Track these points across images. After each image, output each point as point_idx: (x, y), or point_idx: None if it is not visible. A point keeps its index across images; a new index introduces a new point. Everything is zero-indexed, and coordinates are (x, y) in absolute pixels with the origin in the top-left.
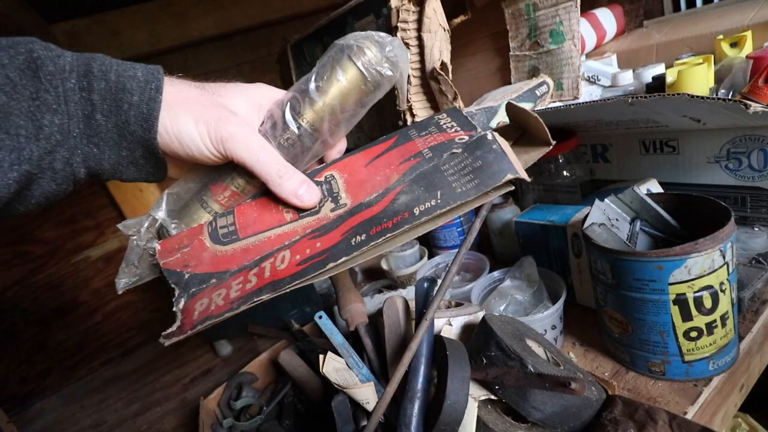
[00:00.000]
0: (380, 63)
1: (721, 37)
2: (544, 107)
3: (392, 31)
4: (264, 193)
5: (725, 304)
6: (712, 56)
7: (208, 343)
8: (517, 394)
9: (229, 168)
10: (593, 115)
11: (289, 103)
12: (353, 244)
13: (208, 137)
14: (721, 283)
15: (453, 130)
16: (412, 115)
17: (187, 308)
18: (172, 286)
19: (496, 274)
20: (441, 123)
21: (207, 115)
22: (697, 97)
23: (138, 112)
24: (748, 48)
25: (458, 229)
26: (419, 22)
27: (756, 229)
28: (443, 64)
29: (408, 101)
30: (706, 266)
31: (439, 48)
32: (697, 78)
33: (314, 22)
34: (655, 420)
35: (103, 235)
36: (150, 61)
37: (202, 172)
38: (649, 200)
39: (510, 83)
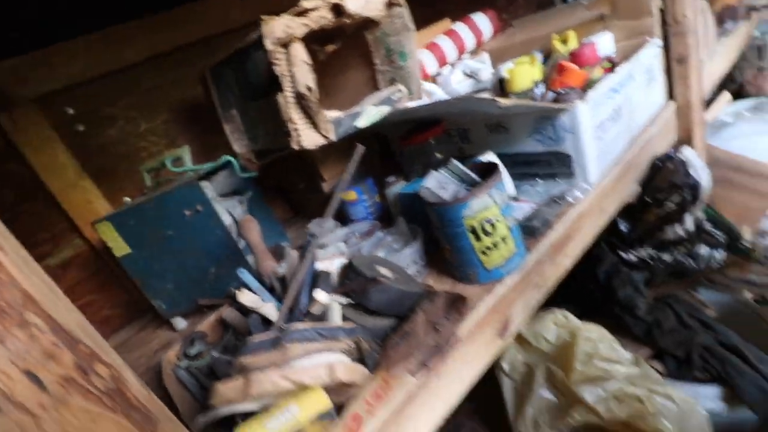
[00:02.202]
0: None
1: (555, 35)
2: (403, 107)
3: (271, 65)
4: None
5: (502, 229)
6: (539, 55)
7: (166, 323)
8: (362, 296)
9: None
10: (439, 109)
11: None
12: None
13: None
14: (495, 216)
15: None
16: (294, 127)
17: None
18: None
19: (380, 233)
20: None
21: None
22: (474, 98)
23: None
24: (573, 44)
25: (364, 205)
26: (288, 59)
27: (557, 180)
28: (308, 88)
29: (290, 117)
30: (481, 206)
31: (304, 78)
32: (523, 74)
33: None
34: (438, 296)
35: (58, 246)
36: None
37: None
38: (462, 167)
39: (379, 90)
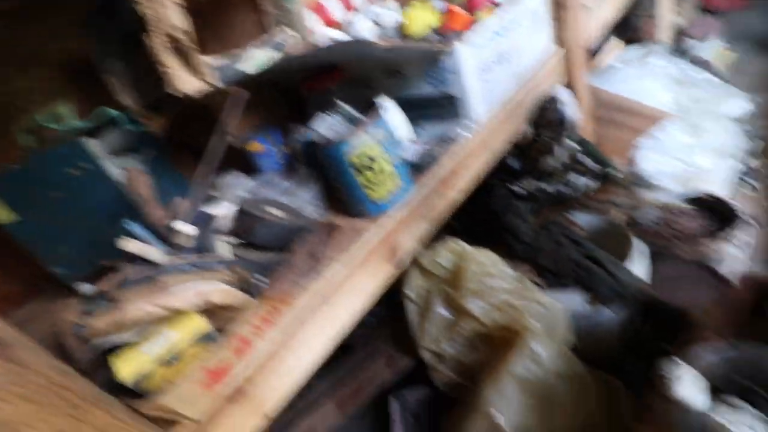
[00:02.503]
0: None
1: None
2: (293, 53)
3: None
4: None
5: (384, 165)
6: (439, 2)
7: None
8: (249, 234)
9: None
10: (329, 55)
11: None
12: None
13: None
14: (376, 153)
15: None
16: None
17: None
18: None
19: (285, 182)
20: None
21: None
22: (356, 42)
23: None
24: None
25: (273, 156)
26: None
27: (447, 120)
28: (180, 30)
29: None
30: (361, 143)
31: (174, 18)
32: (419, 20)
33: None
34: (319, 228)
35: None
36: None
37: None
38: (350, 110)
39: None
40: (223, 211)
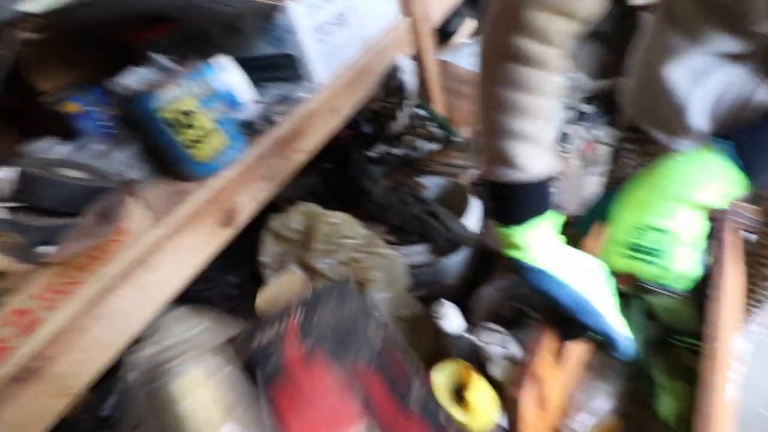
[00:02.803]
0: None
1: None
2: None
3: None
4: None
5: (204, 122)
6: None
7: None
8: (32, 196)
9: None
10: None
11: None
12: None
13: None
14: (193, 108)
15: None
16: None
17: None
18: None
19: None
20: None
21: None
22: None
23: None
24: None
25: (94, 118)
26: None
27: (288, 82)
28: None
29: None
30: (172, 97)
31: None
32: None
33: None
34: (119, 187)
35: None
36: None
37: None
38: (165, 61)
39: None
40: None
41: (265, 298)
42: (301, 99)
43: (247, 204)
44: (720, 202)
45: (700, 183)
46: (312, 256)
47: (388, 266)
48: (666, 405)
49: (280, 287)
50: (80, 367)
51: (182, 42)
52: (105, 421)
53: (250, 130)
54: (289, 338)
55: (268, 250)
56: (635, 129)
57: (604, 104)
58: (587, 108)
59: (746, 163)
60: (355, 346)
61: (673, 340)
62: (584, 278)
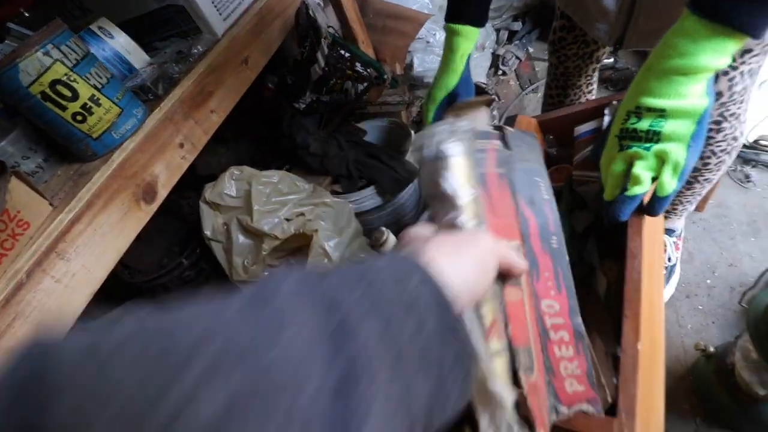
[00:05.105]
0: None
1: None
2: None
3: None
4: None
5: (86, 90)
6: None
7: None
8: None
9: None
10: None
11: None
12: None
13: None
14: (67, 75)
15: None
16: None
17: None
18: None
19: None
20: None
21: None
22: None
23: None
24: None
25: None
26: None
27: (188, 39)
28: None
29: None
30: (39, 66)
31: None
32: None
33: None
34: None
35: None
36: None
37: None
38: (26, 31)
39: None
40: None
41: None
42: (201, 54)
43: (164, 175)
44: (717, 63)
45: (693, 51)
46: (255, 219)
47: (335, 215)
48: (599, 281)
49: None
50: None
51: (57, 13)
52: None
53: (146, 94)
54: (490, 155)
55: (208, 223)
56: (569, 17)
57: (533, 19)
58: (517, 26)
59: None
60: (528, 193)
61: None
62: None
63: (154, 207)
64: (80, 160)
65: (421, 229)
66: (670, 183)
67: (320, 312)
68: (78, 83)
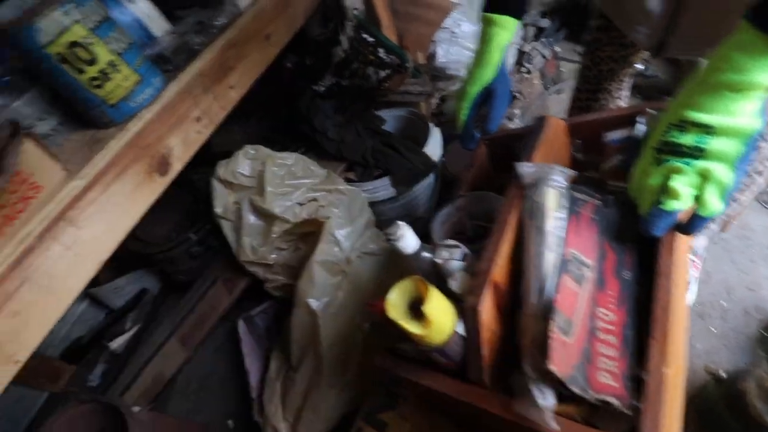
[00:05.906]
0: None
1: None
2: None
3: None
4: None
5: (104, 54)
6: None
7: None
8: None
9: None
10: None
11: None
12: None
13: None
14: (86, 38)
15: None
16: None
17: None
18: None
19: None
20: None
21: None
22: None
23: None
24: None
25: None
26: None
27: (210, 9)
28: None
29: None
30: (57, 26)
31: None
32: None
33: None
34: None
35: None
36: None
37: None
38: None
39: None
40: None
41: None
42: (223, 26)
43: (180, 149)
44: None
45: (749, 67)
46: (267, 200)
47: (348, 203)
48: None
49: None
50: (17, 334)
51: None
52: (94, 391)
53: (165, 64)
54: (588, 205)
55: (220, 201)
56: (607, 17)
57: (562, 18)
58: (545, 23)
59: None
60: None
61: None
62: None
63: (168, 180)
64: (95, 127)
65: None
66: (714, 203)
67: None
68: (98, 48)
